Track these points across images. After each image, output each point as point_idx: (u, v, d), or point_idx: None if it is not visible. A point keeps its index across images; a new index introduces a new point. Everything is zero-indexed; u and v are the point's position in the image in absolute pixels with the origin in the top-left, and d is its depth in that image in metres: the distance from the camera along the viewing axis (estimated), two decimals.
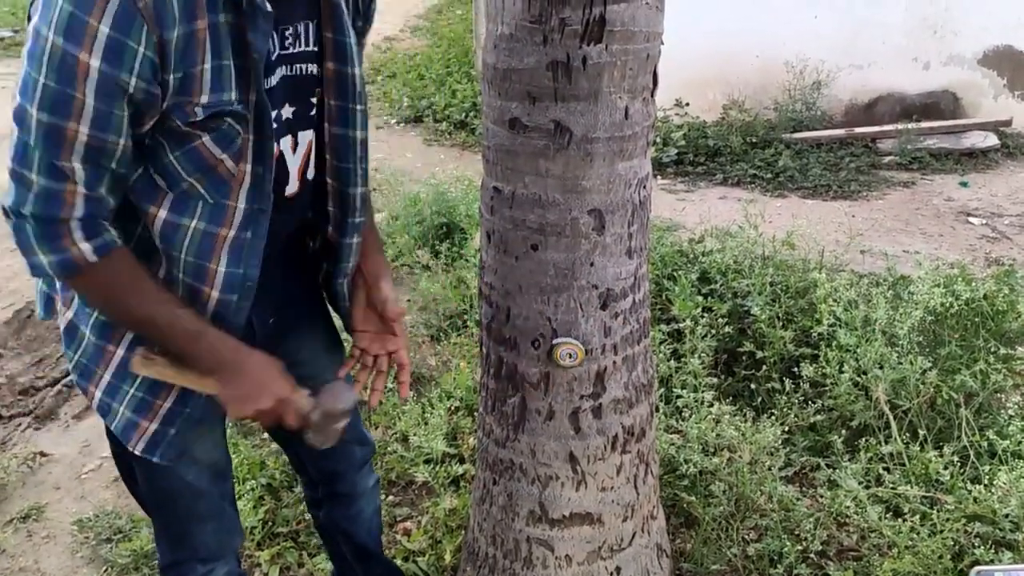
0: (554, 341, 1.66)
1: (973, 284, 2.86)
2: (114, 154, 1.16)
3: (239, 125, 1.23)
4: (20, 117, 1.12)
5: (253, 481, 2.60)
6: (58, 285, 1.41)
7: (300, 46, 1.32)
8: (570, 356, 1.65)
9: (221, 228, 1.29)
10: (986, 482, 2.27)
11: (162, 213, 1.27)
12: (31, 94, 1.09)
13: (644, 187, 1.69)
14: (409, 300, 3.79)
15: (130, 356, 1.36)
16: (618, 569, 1.90)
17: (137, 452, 1.42)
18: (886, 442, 2.48)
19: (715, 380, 2.80)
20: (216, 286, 1.33)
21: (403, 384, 1.67)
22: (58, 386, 3.29)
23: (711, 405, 2.60)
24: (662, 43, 1.63)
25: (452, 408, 2.88)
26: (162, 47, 1.10)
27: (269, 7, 1.17)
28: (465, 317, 3.50)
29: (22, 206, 1.16)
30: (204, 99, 1.17)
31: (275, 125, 1.30)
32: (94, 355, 1.38)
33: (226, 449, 1.63)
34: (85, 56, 1.06)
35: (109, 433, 1.49)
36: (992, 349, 2.70)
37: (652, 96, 1.64)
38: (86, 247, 1.19)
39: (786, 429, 2.54)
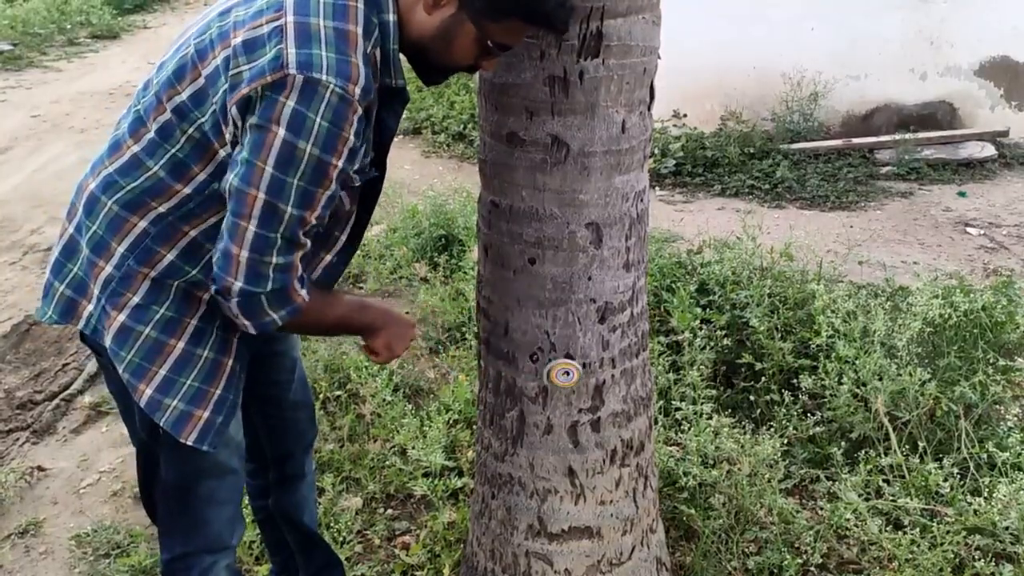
0: (550, 360, 1.66)
1: (971, 295, 2.86)
2: (324, 219, 1.40)
3: (362, 179, 1.48)
4: (270, 213, 1.31)
5: None
6: (96, 290, 1.48)
7: None
8: (566, 374, 1.64)
9: (324, 253, 1.56)
10: (986, 494, 2.27)
11: None
12: (285, 194, 1.31)
13: (641, 200, 1.69)
14: (408, 312, 3.78)
15: (191, 350, 1.49)
16: None
17: (189, 443, 1.52)
18: (886, 454, 2.48)
19: (714, 392, 2.79)
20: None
21: None
22: (56, 400, 3.28)
23: (710, 417, 2.59)
24: (659, 57, 1.63)
25: (451, 421, 2.87)
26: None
27: (408, 94, 1.44)
28: (464, 330, 3.50)
29: (260, 286, 1.37)
30: (357, 166, 1.41)
31: None
32: (151, 351, 1.48)
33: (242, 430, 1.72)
34: (336, 161, 1.31)
35: (144, 427, 1.57)
36: (991, 360, 2.70)
37: (649, 110, 1.65)
38: (303, 292, 1.44)
39: (785, 441, 2.53)
